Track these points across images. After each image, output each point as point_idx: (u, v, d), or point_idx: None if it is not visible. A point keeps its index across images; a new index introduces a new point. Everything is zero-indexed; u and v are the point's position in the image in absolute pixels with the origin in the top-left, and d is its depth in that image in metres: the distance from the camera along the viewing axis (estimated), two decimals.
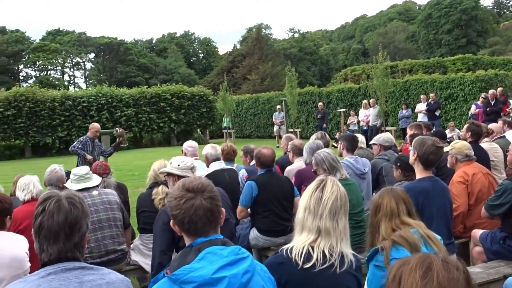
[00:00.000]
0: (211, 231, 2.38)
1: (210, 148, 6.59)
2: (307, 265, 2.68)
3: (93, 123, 11.16)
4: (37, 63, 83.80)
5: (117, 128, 11.07)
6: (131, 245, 5.73)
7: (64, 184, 5.48)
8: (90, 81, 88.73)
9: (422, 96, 20.62)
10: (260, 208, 5.74)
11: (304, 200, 2.86)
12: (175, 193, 2.41)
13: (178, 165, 4.63)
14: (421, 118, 19.33)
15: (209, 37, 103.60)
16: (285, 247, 2.81)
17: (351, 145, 6.56)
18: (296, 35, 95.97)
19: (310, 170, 5.69)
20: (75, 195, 2.36)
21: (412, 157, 4.87)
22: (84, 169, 5.40)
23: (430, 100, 19.86)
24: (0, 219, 4.15)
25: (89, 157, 10.19)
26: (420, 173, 4.81)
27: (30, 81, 78.44)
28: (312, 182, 2.95)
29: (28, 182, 5.25)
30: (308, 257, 2.70)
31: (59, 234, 2.24)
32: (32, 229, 2.30)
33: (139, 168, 16.57)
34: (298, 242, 2.78)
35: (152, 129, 30.52)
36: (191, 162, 4.73)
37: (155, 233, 4.26)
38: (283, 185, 5.86)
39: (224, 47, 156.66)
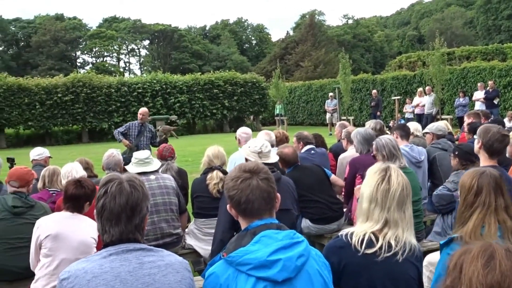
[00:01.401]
0: (266, 213, 2.43)
1: (265, 135, 6.59)
2: (369, 251, 2.67)
3: (141, 108, 11.33)
4: (94, 49, 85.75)
5: (159, 127, 11.13)
6: (186, 229, 5.83)
7: (126, 167, 5.59)
8: (145, 68, 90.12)
9: (479, 84, 20.09)
10: (303, 202, 5.73)
11: (369, 192, 2.80)
12: (232, 174, 2.48)
13: (249, 147, 4.67)
14: (479, 106, 18.82)
15: (262, 23, 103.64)
16: (345, 231, 2.81)
17: (405, 132, 6.51)
18: (350, 21, 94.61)
19: (365, 158, 5.64)
20: (136, 178, 2.41)
21: (476, 146, 4.75)
22: (145, 153, 5.50)
23: (488, 88, 19.34)
24: (79, 203, 4.30)
25: (125, 142, 10.36)
26: (484, 162, 4.68)
27: (87, 68, 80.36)
28: (374, 171, 2.89)
29: (70, 169, 5.39)
30: (369, 243, 2.69)
31: (120, 216, 2.29)
32: (95, 211, 2.36)
33: (192, 154, 16.76)
34: (359, 229, 2.77)
35: (205, 115, 30.82)
36: (260, 145, 4.70)
37: (220, 212, 4.33)
38: (314, 173, 5.85)
39: (277, 33, 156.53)
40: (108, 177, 2.41)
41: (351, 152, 6.66)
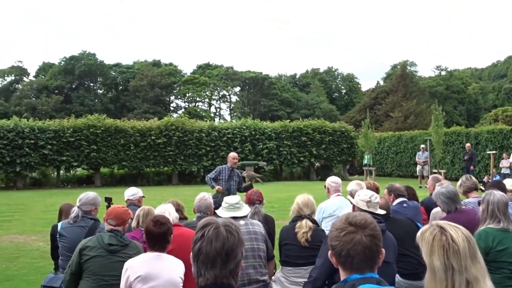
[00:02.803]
0: (367, 269, 2.38)
1: (355, 185, 6.52)
2: None
3: (230, 153, 11.49)
4: (187, 95, 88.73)
5: (244, 173, 11.20)
6: (273, 277, 5.79)
7: (216, 211, 5.68)
8: (235, 114, 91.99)
9: None
10: None
11: (440, 263, 2.56)
12: (337, 224, 2.46)
13: (358, 195, 4.66)
14: None
15: (352, 73, 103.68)
16: None
17: (500, 188, 6.24)
18: (443, 72, 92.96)
19: (459, 216, 5.44)
20: (232, 223, 2.45)
21: None
22: (235, 198, 5.57)
23: None
24: (165, 239, 4.44)
25: (220, 189, 10.43)
26: None
27: (180, 112, 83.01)
28: (431, 238, 2.62)
29: (163, 210, 5.50)
30: None
31: (216, 260, 2.33)
32: (191, 254, 2.42)
33: (279, 200, 16.77)
34: None
35: (292, 162, 30.84)
36: (370, 195, 4.68)
37: (322, 252, 4.34)
38: (405, 227, 5.68)
39: (366, 83, 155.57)
40: (205, 221, 2.46)
41: None
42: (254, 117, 37.08)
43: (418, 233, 2.73)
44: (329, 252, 2.45)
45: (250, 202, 6.34)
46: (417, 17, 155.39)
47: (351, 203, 4.74)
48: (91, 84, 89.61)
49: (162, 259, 4.38)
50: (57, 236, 6.02)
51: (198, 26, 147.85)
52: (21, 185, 25.89)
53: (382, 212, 4.86)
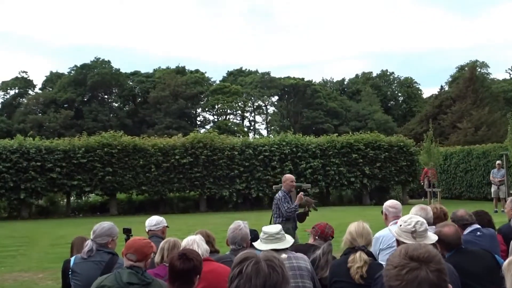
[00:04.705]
0: None
1: (419, 210, 6.42)
2: None
3: (285, 175, 11.50)
4: (216, 106, 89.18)
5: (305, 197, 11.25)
6: None
7: (253, 243, 5.66)
8: (272, 127, 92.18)
9: None
10: None
11: None
12: (396, 260, 2.39)
13: (400, 225, 4.59)
14: None
15: (411, 77, 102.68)
16: None
17: None
18: None
19: None
20: (275, 257, 2.44)
21: None
22: (276, 227, 5.55)
23: None
24: (190, 278, 4.43)
25: (299, 194, 10.65)
26: None
27: (208, 127, 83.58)
28: None
29: (191, 243, 5.52)
30: None
31: None
32: None
33: None
34: None
35: (341, 184, 30.54)
36: (413, 223, 4.61)
37: None
38: (481, 260, 5.57)
39: (428, 89, 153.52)
40: (243, 255, 2.45)
41: None
42: (295, 131, 36.75)
43: (505, 264, 2.68)
44: None
45: (323, 237, 6.34)
46: (486, 11, 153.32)
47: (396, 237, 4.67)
48: (106, 96, 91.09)
49: None
50: (69, 272, 6.08)
51: (227, 27, 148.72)
52: (26, 214, 26.36)
53: (434, 238, 4.76)
